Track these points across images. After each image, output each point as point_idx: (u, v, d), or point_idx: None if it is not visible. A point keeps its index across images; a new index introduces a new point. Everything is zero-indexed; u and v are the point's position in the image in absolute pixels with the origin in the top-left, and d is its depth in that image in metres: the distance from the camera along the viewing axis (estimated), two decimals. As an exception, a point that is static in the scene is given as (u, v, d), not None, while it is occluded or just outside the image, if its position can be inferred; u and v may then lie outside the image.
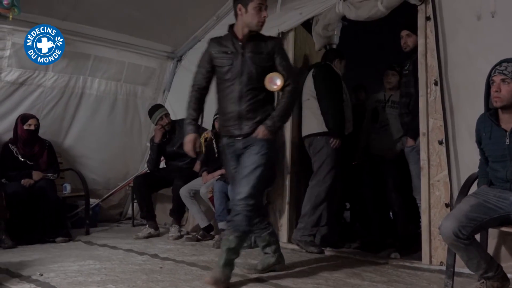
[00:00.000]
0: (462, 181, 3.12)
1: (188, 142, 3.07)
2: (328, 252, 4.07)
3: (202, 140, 4.83)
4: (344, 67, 4.53)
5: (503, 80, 2.56)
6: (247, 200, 2.85)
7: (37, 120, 4.72)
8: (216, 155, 4.70)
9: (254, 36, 3.08)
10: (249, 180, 2.88)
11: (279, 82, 2.99)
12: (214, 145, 4.72)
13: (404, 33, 4.03)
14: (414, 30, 3.88)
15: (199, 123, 3.16)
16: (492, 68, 2.63)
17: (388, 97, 4.58)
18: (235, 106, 3.02)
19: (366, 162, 4.75)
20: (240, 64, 3.01)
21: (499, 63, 2.60)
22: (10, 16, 4.27)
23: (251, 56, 3.01)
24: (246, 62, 3.00)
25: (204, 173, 4.66)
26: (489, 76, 2.63)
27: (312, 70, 4.38)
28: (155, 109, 5.13)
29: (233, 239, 2.88)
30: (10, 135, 4.70)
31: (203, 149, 4.83)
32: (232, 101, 3.03)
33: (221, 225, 4.29)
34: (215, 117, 4.64)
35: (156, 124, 5.09)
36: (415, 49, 3.88)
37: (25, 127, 4.60)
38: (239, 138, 3.05)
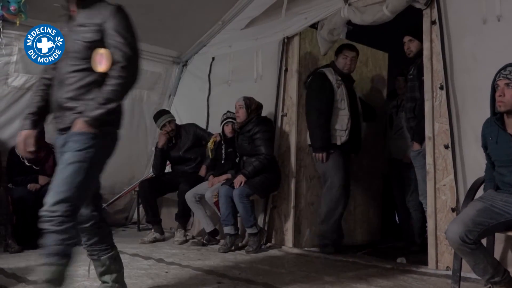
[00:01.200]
0: (468, 186, 3.12)
1: (19, 142, 2.43)
2: (334, 256, 4.06)
3: (210, 144, 4.84)
4: (345, 58, 4.33)
5: (507, 85, 2.56)
6: (53, 209, 2.18)
7: None
8: (223, 160, 4.72)
9: (87, 6, 2.44)
10: (57, 184, 2.24)
11: (105, 60, 2.33)
12: (223, 150, 4.73)
13: (406, 38, 4.05)
14: (416, 35, 3.90)
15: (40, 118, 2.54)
16: (497, 73, 2.62)
17: (400, 102, 4.64)
18: (56, 93, 2.42)
19: (392, 169, 4.82)
20: (67, 41, 2.43)
21: (504, 68, 2.60)
22: (17, 22, 4.31)
23: (77, 30, 2.40)
24: (71, 38, 2.41)
25: (211, 177, 4.67)
26: (494, 80, 2.63)
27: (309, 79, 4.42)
28: (159, 115, 5.14)
29: (46, 270, 2.24)
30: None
31: (210, 153, 4.84)
32: (55, 87, 2.43)
33: (226, 229, 4.29)
34: (227, 120, 4.66)
35: (161, 130, 5.11)
36: (418, 53, 3.90)
37: None
38: (62, 134, 2.40)
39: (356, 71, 4.65)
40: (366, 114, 4.67)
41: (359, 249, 4.57)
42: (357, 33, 4.94)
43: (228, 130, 4.67)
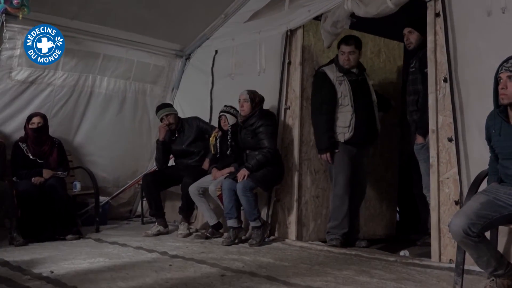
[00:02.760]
0: (472, 179, 3.11)
1: None
2: (337, 249, 4.06)
3: (212, 139, 4.84)
4: (342, 54, 4.24)
5: (509, 77, 2.54)
6: None
7: (43, 118, 4.68)
8: (228, 153, 4.71)
9: None
10: None
11: None
12: (229, 142, 4.73)
13: (406, 30, 4.04)
14: (416, 27, 3.88)
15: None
16: (500, 65, 2.61)
17: None
18: None
19: (412, 161, 4.79)
20: None
21: (506, 60, 2.58)
22: (20, 16, 4.32)
23: None
24: None
25: (214, 169, 4.66)
26: (497, 73, 2.61)
27: None
28: (158, 109, 5.15)
29: None
30: (21, 133, 4.73)
31: (212, 148, 4.84)
32: None
33: (229, 222, 4.30)
34: (220, 114, 4.66)
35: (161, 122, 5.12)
36: (420, 46, 3.89)
37: (30, 126, 4.61)
38: None
39: (367, 62, 4.55)
40: (380, 105, 4.55)
41: (371, 244, 4.52)
42: (369, 23, 4.74)
43: (222, 123, 4.67)
